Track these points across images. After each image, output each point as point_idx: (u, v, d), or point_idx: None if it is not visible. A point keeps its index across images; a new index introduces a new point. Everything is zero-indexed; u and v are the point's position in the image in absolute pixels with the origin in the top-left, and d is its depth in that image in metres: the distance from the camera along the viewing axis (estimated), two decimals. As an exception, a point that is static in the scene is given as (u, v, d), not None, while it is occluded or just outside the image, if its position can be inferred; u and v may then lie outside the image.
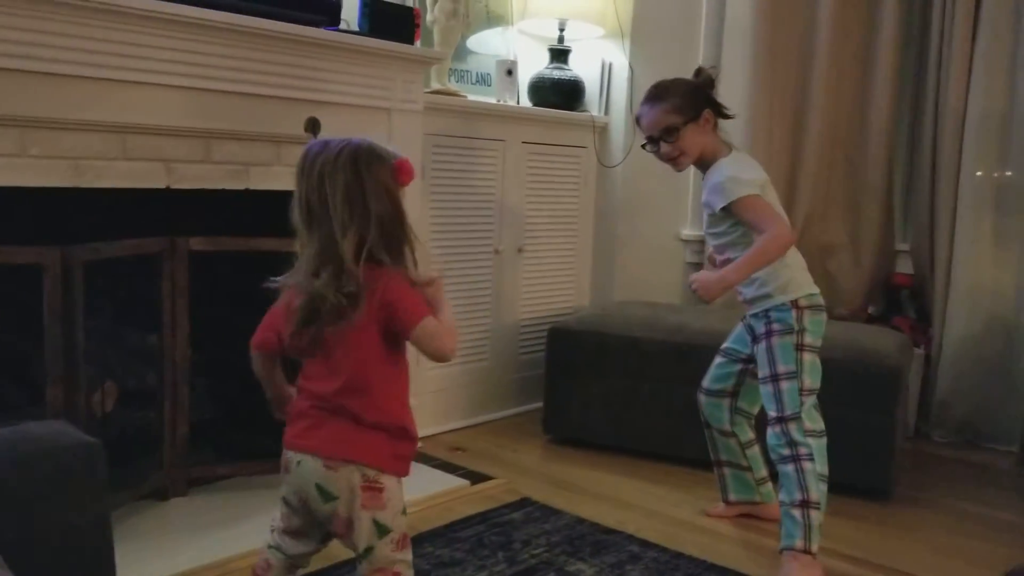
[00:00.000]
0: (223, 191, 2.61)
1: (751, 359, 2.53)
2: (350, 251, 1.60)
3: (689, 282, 2.40)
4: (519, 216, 3.77)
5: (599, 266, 4.16)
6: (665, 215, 4.11)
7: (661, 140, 2.43)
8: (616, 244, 4.09)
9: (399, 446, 1.71)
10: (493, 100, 3.77)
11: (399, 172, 1.68)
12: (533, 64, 4.03)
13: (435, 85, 3.44)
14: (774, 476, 2.57)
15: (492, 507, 2.73)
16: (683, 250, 4.12)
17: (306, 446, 1.68)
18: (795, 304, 2.39)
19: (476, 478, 2.98)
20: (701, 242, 3.82)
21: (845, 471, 2.90)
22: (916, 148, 3.92)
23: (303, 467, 1.67)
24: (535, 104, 3.93)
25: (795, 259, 2.44)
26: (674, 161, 2.45)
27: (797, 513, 2.31)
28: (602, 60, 4.05)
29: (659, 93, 2.44)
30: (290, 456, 1.70)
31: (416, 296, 1.68)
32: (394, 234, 1.66)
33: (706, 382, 2.69)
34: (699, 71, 2.48)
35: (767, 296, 2.41)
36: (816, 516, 2.32)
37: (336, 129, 2.77)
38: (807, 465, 2.33)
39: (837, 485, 2.86)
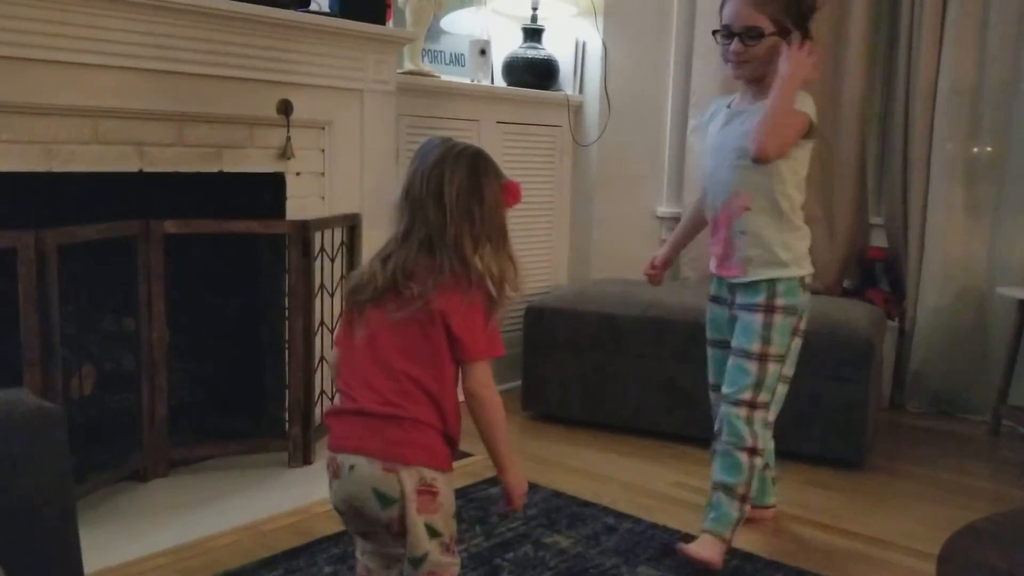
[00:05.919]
0: (197, 174, 2.62)
1: None
2: (461, 239, 1.63)
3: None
4: (495, 196, 3.76)
5: (576, 244, 4.18)
6: (641, 192, 4.14)
7: (740, 37, 2.16)
8: (592, 222, 4.11)
9: (450, 446, 1.67)
10: (467, 80, 3.78)
11: (507, 192, 1.74)
12: (506, 43, 4.03)
13: (408, 66, 3.44)
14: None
15: (471, 483, 2.76)
16: (659, 227, 4.15)
17: (360, 448, 1.55)
18: (801, 281, 2.18)
19: (456, 455, 2.99)
20: (676, 219, 3.82)
21: (819, 442, 2.96)
22: (888, 123, 3.94)
23: (357, 472, 1.54)
24: (509, 84, 3.94)
25: (808, 233, 2.25)
26: (739, 64, 2.20)
27: (735, 506, 2.18)
28: (576, 39, 4.06)
29: None
30: (340, 460, 1.57)
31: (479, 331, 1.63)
32: (499, 246, 1.70)
33: (713, 377, 2.39)
34: None
35: (780, 264, 2.16)
36: (746, 509, 2.22)
37: (308, 111, 2.79)
38: (758, 461, 2.19)
39: (811, 455, 2.93)
